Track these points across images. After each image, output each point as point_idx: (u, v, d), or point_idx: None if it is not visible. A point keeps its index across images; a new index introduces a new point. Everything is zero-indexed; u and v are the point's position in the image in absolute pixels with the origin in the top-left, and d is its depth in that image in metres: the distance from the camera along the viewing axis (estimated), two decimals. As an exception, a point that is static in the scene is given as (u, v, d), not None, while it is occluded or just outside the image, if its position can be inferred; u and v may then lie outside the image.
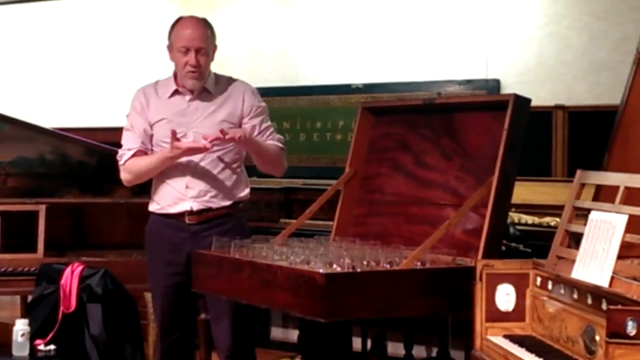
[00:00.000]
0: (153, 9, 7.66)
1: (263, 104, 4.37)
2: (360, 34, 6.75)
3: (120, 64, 7.83)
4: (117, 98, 7.75)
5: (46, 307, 4.90)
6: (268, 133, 4.32)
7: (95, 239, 5.68)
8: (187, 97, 4.27)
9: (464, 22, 6.34)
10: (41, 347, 4.73)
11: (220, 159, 4.22)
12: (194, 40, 4.16)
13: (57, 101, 8.17)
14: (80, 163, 5.58)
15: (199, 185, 4.22)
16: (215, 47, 4.29)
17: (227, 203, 4.26)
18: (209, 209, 4.23)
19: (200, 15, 4.32)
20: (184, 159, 4.18)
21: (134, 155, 4.29)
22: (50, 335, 4.79)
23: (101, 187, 5.67)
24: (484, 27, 6.25)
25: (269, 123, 4.36)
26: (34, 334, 4.73)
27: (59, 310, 4.83)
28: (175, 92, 4.29)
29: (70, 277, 4.86)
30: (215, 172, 4.22)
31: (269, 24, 7.14)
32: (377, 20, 6.68)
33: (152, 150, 4.32)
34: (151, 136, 4.31)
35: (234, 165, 4.28)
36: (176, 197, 4.25)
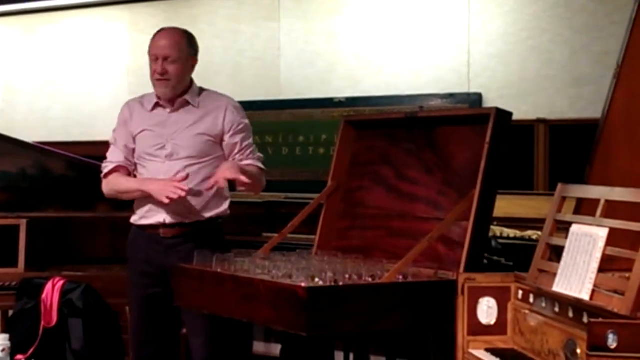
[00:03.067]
0: (135, 23, 7.65)
1: (246, 120, 4.35)
2: (342, 48, 6.76)
3: (102, 79, 7.81)
4: (98, 112, 7.75)
5: (27, 322, 4.88)
6: (249, 152, 4.30)
7: (77, 253, 5.65)
8: (168, 109, 4.28)
9: (446, 36, 6.36)
10: (22, 362, 4.71)
11: (197, 173, 4.20)
12: (162, 49, 4.21)
13: (38, 115, 8.14)
14: (62, 177, 5.57)
15: None
16: (193, 59, 4.29)
17: (203, 218, 4.25)
18: (183, 223, 4.22)
19: (183, 28, 4.33)
20: (161, 170, 4.20)
21: (114, 170, 4.34)
22: (31, 350, 4.77)
23: (83, 201, 5.65)
24: (466, 41, 6.27)
25: (250, 141, 4.33)
26: (15, 349, 4.69)
27: (40, 325, 4.81)
28: (157, 105, 4.31)
29: (52, 292, 4.84)
30: (191, 185, 4.16)
31: (251, 38, 7.14)
32: (359, 34, 6.69)
33: (134, 164, 4.34)
34: (133, 150, 4.35)
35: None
36: (152, 209, 4.26)
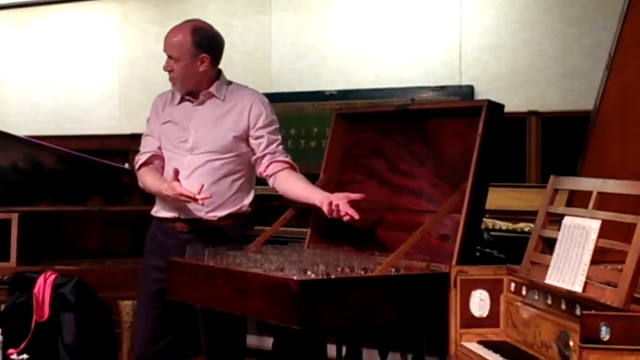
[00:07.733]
0: (126, 17, 7.64)
1: (274, 116, 4.27)
2: (334, 41, 6.75)
3: (93, 73, 7.79)
4: (89, 106, 7.73)
5: (19, 317, 4.87)
6: (281, 148, 4.23)
7: (69, 247, 5.64)
8: (194, 103, 4.23)
9: (438, 28, 6.35)
10: (14, 356, 4.70)
11: (219, 169, 4.14)
12: (165, 48, 4.18)
13: (29, 109, 8.12)
14: (54, 171, 5.56)
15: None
16: (201, 55, 4.18)
17: (221, 214, 4.16)
18: (200, 219, 4.15)
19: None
20: (183, 164, 4.14)
21: (147, 162, 4.28)
22: (24, 344, 4.76)
23: (75, 195, 5.63)
24: (458, 33, 6.26)
25: (279, 138, 4.25)
26: (7, 344, 4.69)
27: (32, 320, 4.81)
28: (184, 99, 4.27)
29: (44, 286, 4.83)
30: (211, 180, 4.11)
31: (243, 32, 7.12)
32: (351, 27, 6.68)
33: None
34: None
35: (234, 177, 4.19)
36: (170, 203, 4.15)
